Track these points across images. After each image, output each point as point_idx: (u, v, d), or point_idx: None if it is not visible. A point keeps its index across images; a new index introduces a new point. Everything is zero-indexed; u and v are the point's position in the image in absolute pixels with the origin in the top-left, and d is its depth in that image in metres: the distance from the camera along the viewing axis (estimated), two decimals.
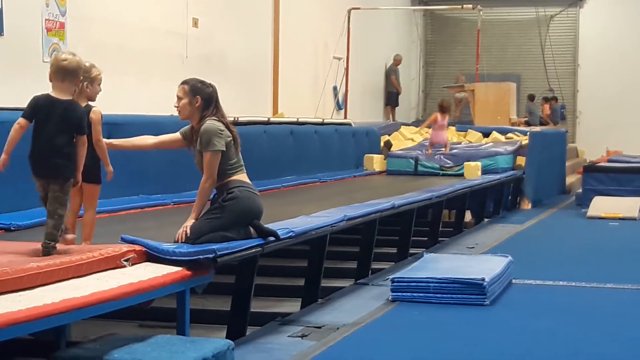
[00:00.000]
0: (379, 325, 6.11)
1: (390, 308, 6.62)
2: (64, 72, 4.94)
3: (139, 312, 6.04)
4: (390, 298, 6.83)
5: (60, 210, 4.90)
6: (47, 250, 4.84)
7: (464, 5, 20.35)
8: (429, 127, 15.35)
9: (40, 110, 4.91)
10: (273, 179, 11.06)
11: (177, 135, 5.88)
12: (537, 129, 17.44)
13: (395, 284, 6.86)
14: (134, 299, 4.64)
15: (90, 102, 5.24)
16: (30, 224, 6.25)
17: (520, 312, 6.62)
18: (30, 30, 9.65)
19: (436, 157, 14.13)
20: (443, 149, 14.30)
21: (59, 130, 4.89)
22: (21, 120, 4.92)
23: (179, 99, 5.69)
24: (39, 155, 4.88)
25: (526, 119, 21.72)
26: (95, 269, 4.78)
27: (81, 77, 5.06)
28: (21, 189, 6.76)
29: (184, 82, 5.74)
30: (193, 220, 5.53)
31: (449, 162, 14.02)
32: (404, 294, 6.80)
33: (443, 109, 14.58)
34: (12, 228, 6.11)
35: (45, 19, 9.88)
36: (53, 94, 4.95)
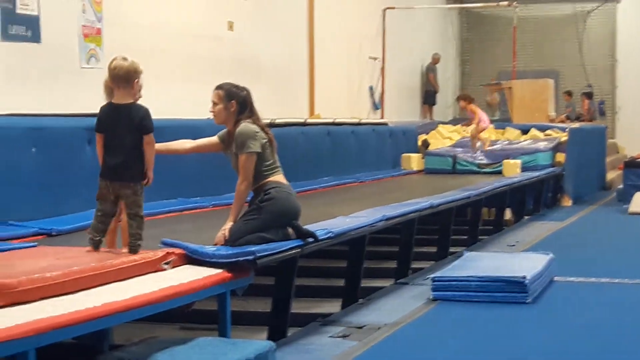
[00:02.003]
0: (420, 325, 6.08)
1: (431, 307, 6.59)
2: (117, 79, 5.05)
3: (180, 315, 6.05)
4: (430, 297, 6.80)
5: (140, 212, 5.08)
6: (134, 249, 5.04)
7: (500, 3, 20.24)
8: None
9: (105, 119, 5.06)
10: (311, 180, 11.06)
11: (214, 138, 5.90)
12: (577, 125, 17.30)
13: (435, 283, 6.83)
14: (175, 301, 4.65)
15: None
16: (70, 228, 6.30)
17: (562, 309, 6.56)
18: (67, 36, 9.72)
19: (476, 154, 14.04)
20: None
21: (126, 133, 5.02)
22: (96, 134, 5.11)
23: (214, 104, 5.72)
24: (113, 161, 5.01)
25: (567, 114, 21.57)
26: (136, 273, 4.81)
27: (135, 81, 5.10)
28: (62, 195, 6.82)
29: (218, 87, 5.77)
30: (231, 223, 5.55)
31: (487, 159, 13.95)
32: (445, 293, 6.77)
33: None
34: (53, 233, 6.15)
35: (82, 25, 9.95)
36: (114, 101, 5.07)
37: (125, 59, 5.13)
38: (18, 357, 3.60)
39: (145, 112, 5.11)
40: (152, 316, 4.58)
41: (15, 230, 6.12)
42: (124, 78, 5.04)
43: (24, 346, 3.60)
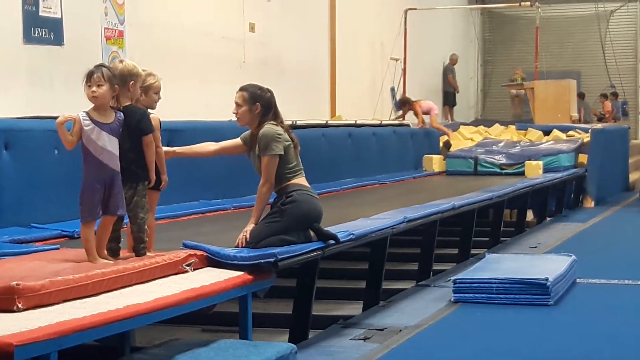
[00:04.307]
0: (442, 327, 6.07)
1: (453, 309, 6.57)
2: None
3: (202, 317, 6.07)
4: (452, 299, 6.78)
5: (141, 214, 5.02)
6: (140, 253, 5.02)
7: (522, 3, 20.17)
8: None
9: None
10: (332, 182, 11.06)
11: (237, 140, 5.90)
12: (599, 126, 17.21)
13: (457, 285, 6.81)
14: (196, 304, 4.66)
15: (149, 110, 5.27)
16: None
17: (585, 311, 6.53)
18: (90, 39, 9.77)
19: (497, 157, 14.06)
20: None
21: (124, 135, 4.94)
22: None
23: (238, 106, 5.70)
24: None
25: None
26: (157, 275, 4.83)
27: (131, 83, 5.03)
28: None
29: (242, 89, 5.75)
30: (253, 225, 5.55)
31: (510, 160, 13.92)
32: (467, 295, 6.75)
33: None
34: (75, 235, 6.16)
35: (105, 28, 10.00)
36: (112, 104, 5.00)
37: (121, 60, 5.09)
38: (40, 359, 3.62)
39: (141, 114, 5.03)
40: (173, 318, 4.59)
41: (38, 233, 6.16)
42: (117, 80, 4.92)
43: (47, 348, 3.62)
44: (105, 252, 4.96)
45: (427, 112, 15.75)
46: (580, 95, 23.14)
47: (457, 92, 22.46)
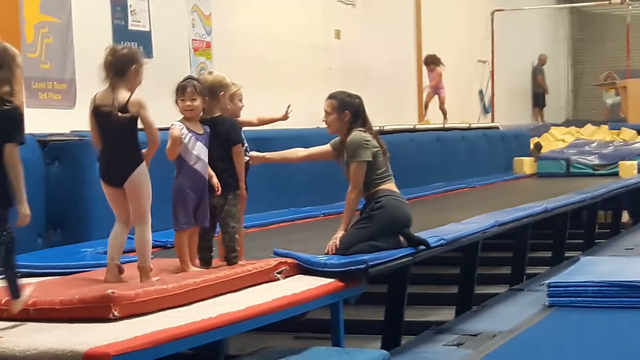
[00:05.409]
0: (537, 332, 5.97)
1: (548, 314, 6.46)
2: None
3: (294, 324, 6.08)
4: (547, 303, 6.66)
5: (232, 223, 5.09)
6: (231, 261, 5.09)
7: (612, 1, 19.78)
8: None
9: None
10: (421, 187, 10.99)
11: (327, 147, 5.92)
12: None
13: (551, 288, 6.69)
14: (288, 311, 4.68)
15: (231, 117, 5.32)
16: None
17: None
18: (178, 51, 9.90)
19: (589, 157, 13.83)
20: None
21: (214, 145, 5.06)
22: None
23: (328, 114, 5.72)
24: None
25: None
26: (249, 283, 4.86)
27: (221, 94, 5.13)
28: None
29: (331, 97, 5.76)
30: (342, 232, 5.55)
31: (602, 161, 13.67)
32: (561, 299, 6.62)
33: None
34: (168, 245, 6.24)
35: (192, 39, 10.12)
36: (203, 115, 5.11)
37: (210, 72, 5.22)
38: None
39: (231, 125, 5.14)
40: (266, 326, 4.61)
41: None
42: (208, 91, 5.07)
43: (143, 358, 3.67)
44: (198, 261, 5.02)
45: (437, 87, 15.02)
46: None
47: (546, 93, 22.14)
